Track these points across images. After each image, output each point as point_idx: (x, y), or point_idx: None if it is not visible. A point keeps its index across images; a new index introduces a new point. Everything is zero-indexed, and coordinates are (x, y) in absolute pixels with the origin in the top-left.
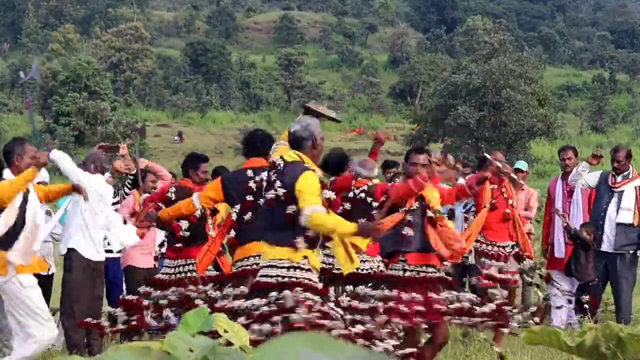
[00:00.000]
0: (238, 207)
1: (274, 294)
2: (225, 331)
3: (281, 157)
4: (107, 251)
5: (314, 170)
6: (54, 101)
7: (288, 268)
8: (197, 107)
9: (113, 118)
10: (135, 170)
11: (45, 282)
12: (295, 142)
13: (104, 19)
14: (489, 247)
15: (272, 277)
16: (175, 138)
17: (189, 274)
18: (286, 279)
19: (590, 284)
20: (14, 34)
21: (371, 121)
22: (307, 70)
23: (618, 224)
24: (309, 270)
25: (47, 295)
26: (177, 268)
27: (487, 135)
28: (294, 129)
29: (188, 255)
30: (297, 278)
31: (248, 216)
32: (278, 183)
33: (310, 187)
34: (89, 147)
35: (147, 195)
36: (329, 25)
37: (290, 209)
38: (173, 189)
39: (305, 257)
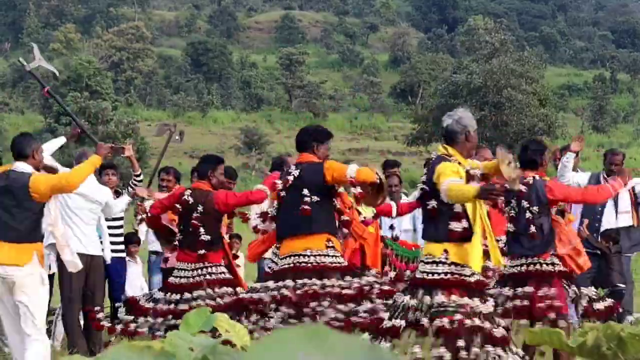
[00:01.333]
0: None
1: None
2: (227, 331)
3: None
4: (113, 251)
5: (451, 162)
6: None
7: (431, 263)
8: (198, 107)
9: (114, 117)
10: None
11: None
12: (449, 136)
13: (105, 19)
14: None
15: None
16: (177, 137)
17: (207, 278)
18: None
19: (617, 288)
20: (15, 33)
21: (372, 121)
22: (308, 69)
23: (620, 229)
24: (452, 264)
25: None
26: (194, 271)
27: (488, 135)
28: (446, 123)
29: (207, 260)
30: (438, 274)
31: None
32: (423, 178)
33: (444, 170)
34: (90, 146)
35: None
36: (330, 25)
37: (431, 203)
38: (188, 192)
39: (446, 251)
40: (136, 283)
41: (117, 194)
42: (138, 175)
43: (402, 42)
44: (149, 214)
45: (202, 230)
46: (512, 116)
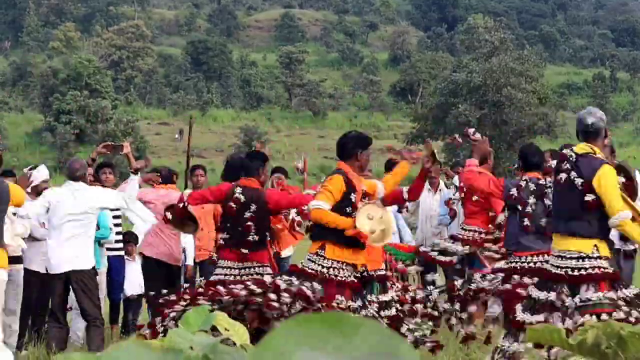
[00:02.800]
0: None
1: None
2: (226, 329)
3: (571, 149)
4: (108, 249)
5: (610, 165)
6: (54, 99)
7: (577, 259)
8: (197, 106)
9: (114, 116)
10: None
11: (44, 280)
12: (594, 133)
13: (104, 17)
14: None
15: (561, 268)
16: (177, 136)
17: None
18: (576, 272)
19: None
20: (15, 32)
21: (372, 119)
22: (308, 68)
23: None
24: (598, 258)
25: (47, 293)
26: (241, 270)
27: (488, 134)
28: (591, 120)
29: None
30: (585, 269)
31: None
32: (574, 173)
33: (611, 185)
34: (90, 145)
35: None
36: (330, 24)
37: (589, 196)
38: (239, 189)
39: (596, 246)
40: (135, 281)
41: None
42: (135, 173)
43: (401, 40)
44: (184, 203)
45: (253, 229)
46: (511, 115)
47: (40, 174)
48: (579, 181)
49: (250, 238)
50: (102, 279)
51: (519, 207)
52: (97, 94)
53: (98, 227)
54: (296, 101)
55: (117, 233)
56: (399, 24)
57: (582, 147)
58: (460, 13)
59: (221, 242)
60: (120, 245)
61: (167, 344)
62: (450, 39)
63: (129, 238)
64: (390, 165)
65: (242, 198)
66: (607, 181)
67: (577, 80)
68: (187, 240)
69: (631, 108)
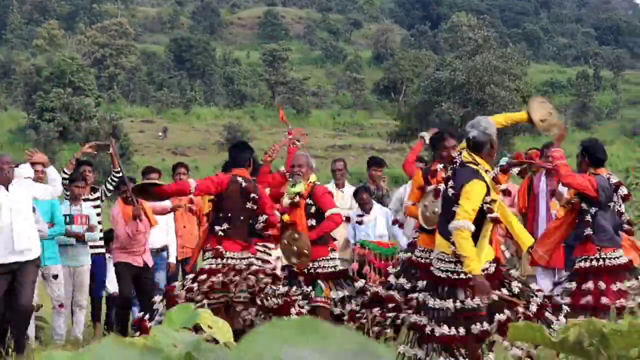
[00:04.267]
0: None
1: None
2: (210, 327)
3: (460, 153)
4: (91, 247)
5: (482, 180)
6: (38, 97)
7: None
8: (181, 103)
9: (97, 114)
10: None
11: None
12: (476, 146)
13: (88, 15)
14: None
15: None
16: (160, 134)
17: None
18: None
19: None
20: None
21: (355, 117)
22: (291, 66)
23: None
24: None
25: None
26: (243, 260)
27: None
28: (472, 134)
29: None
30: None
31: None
32: (451, 182)
33: (470, 195)
34: (73, 143)
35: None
36: (313, 21)
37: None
38: (240, 179)
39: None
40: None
41: (94, 190)
42: (118, 172)
43: (385, 38)
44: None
45: (255, 218)
46: (495, 113)
47: (23, 171)
48: (450, 191)
49: (253, 226)
50: (85, 277)
51: (610, 204)
52: (81, 91)
53: (53, 224)
54: (279, 99)
55: (100, 231)
56: (383, 22)
57: (465, 156)
58: (444, 11)
59: (221, 233)
60: (102, 243)
61: (150, 342)
62: (433, 37)
63: (111, 236)
64: (374, 164)
65: (246, 188)
66: (468, 194)
67: (560, 78)
68: (169, 238)
69: (615, 106)
